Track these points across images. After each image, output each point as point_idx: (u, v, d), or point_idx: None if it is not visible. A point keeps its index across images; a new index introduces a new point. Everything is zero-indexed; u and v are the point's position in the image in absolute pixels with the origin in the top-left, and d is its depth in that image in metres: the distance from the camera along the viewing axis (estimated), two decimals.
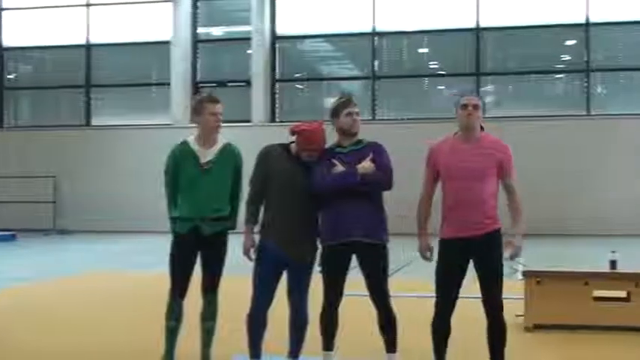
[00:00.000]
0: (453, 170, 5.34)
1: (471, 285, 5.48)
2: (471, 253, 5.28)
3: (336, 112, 5.52)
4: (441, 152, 5.45)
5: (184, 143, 6.00)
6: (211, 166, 5.89)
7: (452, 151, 5.39)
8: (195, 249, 5.90)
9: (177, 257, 5.91)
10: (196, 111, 5.95)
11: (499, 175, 5.35)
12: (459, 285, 5.35)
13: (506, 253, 5.33)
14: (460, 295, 5.38)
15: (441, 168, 5.40)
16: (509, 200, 5.46)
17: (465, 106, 5.35)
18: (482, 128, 5.43)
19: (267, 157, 5.60)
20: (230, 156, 5.98)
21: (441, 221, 5.42)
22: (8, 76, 23.52)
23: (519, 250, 5.35)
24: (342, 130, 5.50)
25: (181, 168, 5.92)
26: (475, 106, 5.34)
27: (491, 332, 5.38)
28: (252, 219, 5.61)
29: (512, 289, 8.86)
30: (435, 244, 5.43)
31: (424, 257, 5.51)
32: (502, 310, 5.34)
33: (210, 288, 5.95)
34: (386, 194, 5.47)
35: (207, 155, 5.91)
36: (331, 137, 5.57)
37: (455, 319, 5.43)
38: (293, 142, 5.59)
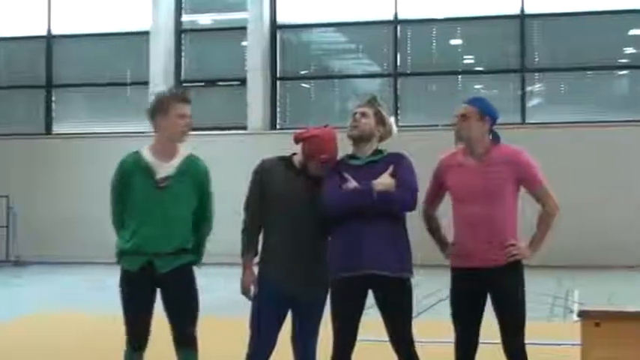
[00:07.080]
0: (460, 191, 5.47)
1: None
2: (486, 286, 5.39)
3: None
4: (449, 167, 5.57)
5: (137, 153, 5.83)
6: (169, 183, 5.66)
7: (459, 167, 5.50)
8: (152, 287, 5.70)
9: (129, 299, 5.72)
10: (159, 111, 5.70)
11: (518, 190, 5.45)
12: (477, 322, 5.46)
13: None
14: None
15: (449, 187, 5.55)
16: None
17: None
18: (497, 139, 5.48)
19: (263, 173, 5.59)
20: (194, 171, 5.77)
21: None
22: None
23: (517, 253, 5.39)
24: (348, 136, 5.51)
25: (131, 184, 5.73)
26: (462, 116, 5.44)
27: None
28: (250, 250, 5.59)
29: (566, 333, 8.87)
30: None
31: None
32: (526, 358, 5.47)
33: (182, 342, 5.72)
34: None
35: (164, 169, 5.70)
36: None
37: None
38: (295, 153, 5.58)
